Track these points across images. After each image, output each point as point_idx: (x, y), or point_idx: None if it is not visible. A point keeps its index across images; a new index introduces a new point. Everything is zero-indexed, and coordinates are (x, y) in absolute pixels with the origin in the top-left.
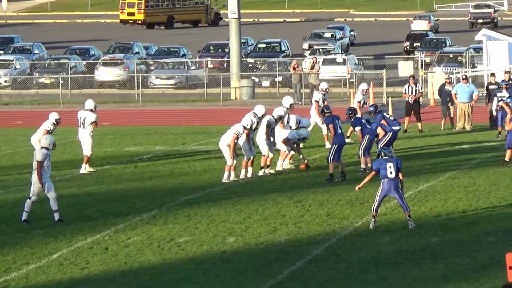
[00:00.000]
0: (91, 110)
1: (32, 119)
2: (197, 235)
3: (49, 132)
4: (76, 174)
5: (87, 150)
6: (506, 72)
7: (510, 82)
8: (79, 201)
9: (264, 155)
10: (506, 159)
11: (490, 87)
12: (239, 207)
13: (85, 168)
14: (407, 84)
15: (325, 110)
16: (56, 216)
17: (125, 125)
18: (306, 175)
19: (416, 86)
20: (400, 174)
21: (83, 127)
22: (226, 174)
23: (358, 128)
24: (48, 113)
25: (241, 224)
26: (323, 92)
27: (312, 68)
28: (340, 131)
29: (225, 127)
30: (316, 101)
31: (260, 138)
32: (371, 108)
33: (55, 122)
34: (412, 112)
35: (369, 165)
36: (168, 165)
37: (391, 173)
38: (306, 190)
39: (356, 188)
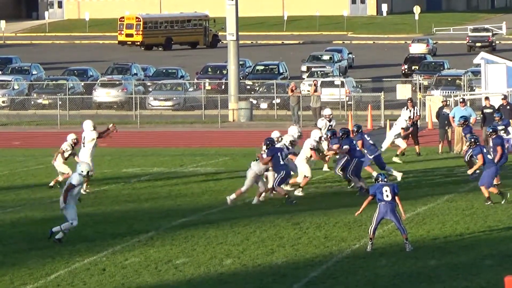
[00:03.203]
0: (69, 144)
1: (30, 140)
2: (194, 256)
3: (64, 153)
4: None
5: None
6: (503, 98)
7: (508, 107)
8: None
9: (307, 176)
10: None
11: (485, 110)
12: (237, 229)
13: (83, 189)
14: (405, 107)
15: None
16: (58, 235)
17: (122, 146)
18: (303, 198)
19: (414, 109)
20: (397, 198)
21: (83, 146)
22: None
23: (345, 147)
24: (46, 134)
25: (238, 246)
26: (328, 119)
27: (315, 91)
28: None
29: (223, 149)
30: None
31: (301, 160)
32: (354, 128)
33: (72, 143)
34: (410, 135)
35: (361, 184)
36: (166, 187)
37: (387, 196)
38: (303, 212)
39: (356, 214)
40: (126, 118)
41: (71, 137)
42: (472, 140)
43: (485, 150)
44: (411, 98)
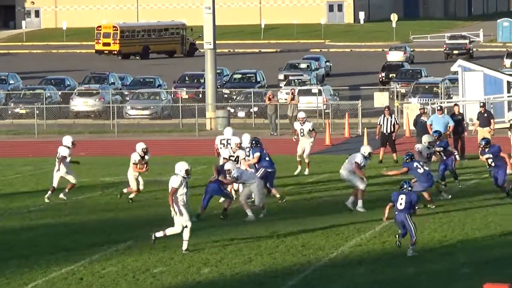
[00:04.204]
0: (67, 147)
1: (7, 149)
2: (172, 265)
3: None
4: (52, 203)
5: (72, 179)
6: (481, 106)
7: (485, 114)
8: (54, 231)
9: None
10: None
11: (454, 118)
12: (214, 237)
13: (64, 194)
14: (382, 115)
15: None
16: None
17: (100, 155)
18: (281, 206)
19: (391, 118)
20: (414, 208)
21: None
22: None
23: (256, 154)
24: (23, 144)
25: (216, 254)
26: (301, 121)
27: (292, 99)
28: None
29: (200, 157)
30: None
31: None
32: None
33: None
34: (388, 143)
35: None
36: (143, 196)
37: (400, 204)
38: (281, 221)
39: (384, 219)
40: (104, 127)
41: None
42: (408, 157)
43: (415, 165)
44: (388, 106)
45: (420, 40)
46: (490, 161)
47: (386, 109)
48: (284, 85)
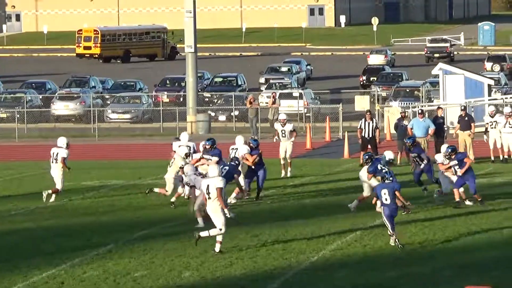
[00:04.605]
0: (63, 147)
1: None
2: (153, 269)
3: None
4: (34, 207)
5: (58, 184)
6: (462, 109)
7: (466, 118)
8: (35, 235)
9: None
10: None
11: (436, 121)
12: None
13: (48, 198)
14: (363, 119)
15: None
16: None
17: (81, 159)
18: (262, 209)
19: (372, 122)
20: (397, 193)
21: (56, 162)
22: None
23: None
24: (4, 148)
25: (197, 258)
26: (282, 123)
27: (274, 103)
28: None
29: None
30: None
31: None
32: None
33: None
34: (369, 147)
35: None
36: (125, 199)
37: (386, 199)
38: (262, 225)
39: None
40: (85, 131)
41: (63, 141)
42: (367, 157)
43: (379, 167)
44: (370, 110)
45: (401, 44)
46: (456, 167)
47: (368, 113)
48: (265, 89)
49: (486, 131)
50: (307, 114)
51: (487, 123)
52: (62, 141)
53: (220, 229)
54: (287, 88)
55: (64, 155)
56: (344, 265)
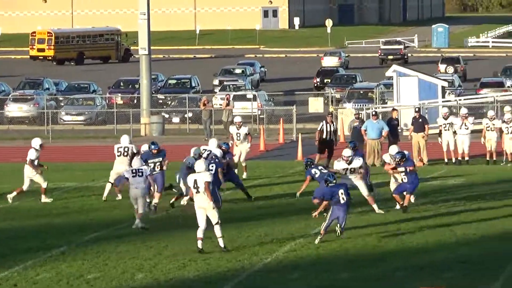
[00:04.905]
0: (35, 149)
1: None
2: (106, 271)
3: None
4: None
5: (42, 183)
6: (416, 111)
7: (420, 120)
8: None
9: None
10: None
11: (391, 123)
12: (149, 243)
13: (45, 198)
14: (324, 121)
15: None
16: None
17: None
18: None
19: (333, 125)
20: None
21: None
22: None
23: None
24: None
25: (150, 260)
26: (238, 125)
27: (227, 105)
28: None
29: None
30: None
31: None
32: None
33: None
34: (326, 149)
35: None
36: (78, 201)
37: (343, 199)
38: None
39: (313, 215)
40: (38, 133)
41: (37, 142)
42: (308, 161)
43: (313, 172)
44: (331, 113)
45: (355, 46)
46: (403, 175)
47: (329, 115)
48: (219, 91)
49: (440, 133)
50: (260, 116)
51: (441, 125)
52: (35, 142)
53: (217, 223)
54: (241, 90)
55: (31, 157)
56: (297, 266)
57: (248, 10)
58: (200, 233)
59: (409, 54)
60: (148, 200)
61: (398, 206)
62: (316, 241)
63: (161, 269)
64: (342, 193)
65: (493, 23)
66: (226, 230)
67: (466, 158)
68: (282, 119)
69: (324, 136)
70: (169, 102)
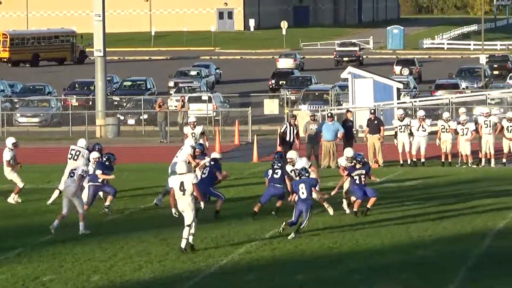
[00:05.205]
0: (9, 148)
1: None
2: (62, 273)
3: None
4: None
5: (19, 183)
6: (371, 113)
7: (375, 121)
8: None
9: None
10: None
11: (346, 124)
12: (104, 245)
13: (13, 198)
14: (288, 123)
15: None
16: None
17: None
18: (170, 213)
19: (296, 128)
20: (313, 190)
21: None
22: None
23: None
24: None
25: (106, 262)
26: (192, 125)
27: (182, 107)
28: None
29: None
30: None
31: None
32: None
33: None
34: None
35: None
36: (33, 203)
37: (302, 193)
38: (171, 228)
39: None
40: None
41: (10, 141)
42: (277, 156)
43: (269, 172)
44: (295, 115)
45: (310, 48)
46: (358, 177)
47: (293, 118)
48: (174, 92)
49: (395, 135)
50: (216, 118)
51: (396, 127)
52: (9, 141)
53: (189, 225)
54: (196, 92)
55: (6, 158)
56: (253, 268)
57: (204, 12)
58: (185, 234)
59: (364, 56)
60: (107, 203)
61: (347, 210)
62: (291, 237)
63: (116, 271)
64: (302, 187)
65: (448, 24)
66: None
67: (422, 160)
68: (237, 120)
69: (287, 139)
70: (125, 104)
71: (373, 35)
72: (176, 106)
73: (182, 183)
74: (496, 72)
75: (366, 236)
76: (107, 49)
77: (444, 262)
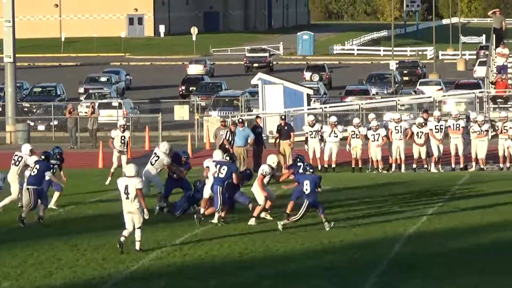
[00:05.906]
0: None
1: None
2: None
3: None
4: None
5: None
6: (282, 119)
7: (286, 127)
8: None
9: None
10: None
11: (256, 130)
12: (14, 251)
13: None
14: (228, 130)
15: None
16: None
17: None
18: (81, 218)
19: (232, 133)
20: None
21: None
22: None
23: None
24: None
25: (16, 268)
26: (120, 129)
27: (93, 113)
28: None
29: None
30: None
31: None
32: None
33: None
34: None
35: None
36: None
37: (306, 190)
38: (81, 234)
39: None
40: None
41: (27, 148)
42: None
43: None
44: (235, 122)
45: (220, 53)
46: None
47: (233, 125)
48: (84, 99)
49: (306, 141)
50: (126, 124)
51: (307, 133)
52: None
53: (139, 227)
54: (106, 98)
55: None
56: (163, 274)
57: (113, 17)
58: (125, 233)
59: (274, 62)
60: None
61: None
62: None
63: (27, 277)
64: (307, 184)
65: (359, 30)
66: (92, 238)
67: (333, 166)
68: (148, 126)
69: (227, 146)
70: (35, 110)
71: (283, 41)
72: (86, 112)
73: (126, 187)
74: (406, 78)
75: (276, 242)
76: (16, 55)
77: (354, 267)
